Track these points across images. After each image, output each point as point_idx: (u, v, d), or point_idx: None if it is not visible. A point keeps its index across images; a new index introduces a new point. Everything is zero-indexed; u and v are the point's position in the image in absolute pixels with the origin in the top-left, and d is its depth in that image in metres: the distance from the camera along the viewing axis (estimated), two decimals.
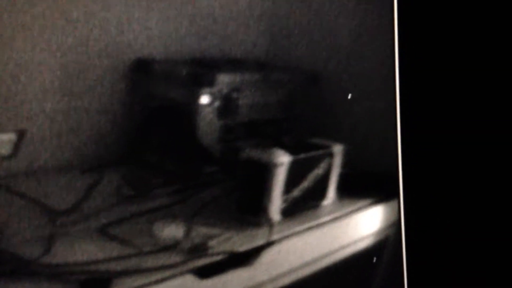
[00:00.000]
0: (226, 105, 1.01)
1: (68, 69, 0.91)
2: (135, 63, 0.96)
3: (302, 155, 1.06)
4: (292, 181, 1.05)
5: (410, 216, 1.18)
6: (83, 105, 0.92)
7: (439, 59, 1.24)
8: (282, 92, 1.08)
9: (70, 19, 0.91)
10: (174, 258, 0.96)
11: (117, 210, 0.95)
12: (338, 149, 1.10)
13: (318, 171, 1.09)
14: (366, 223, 1.17)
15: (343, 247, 1.13)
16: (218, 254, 0.99)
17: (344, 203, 1.13)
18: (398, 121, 1.16)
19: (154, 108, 0.98)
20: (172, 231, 0.97)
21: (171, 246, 0.97)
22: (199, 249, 0.98)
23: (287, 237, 1.05)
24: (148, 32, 0.97)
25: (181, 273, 0.96)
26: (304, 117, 1.11)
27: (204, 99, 0.99)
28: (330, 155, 1.10)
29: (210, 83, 1.00)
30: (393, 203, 1.18)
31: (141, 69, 0.97)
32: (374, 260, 1.17)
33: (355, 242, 1.16)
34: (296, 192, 1.07)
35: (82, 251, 0.92)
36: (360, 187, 1.16)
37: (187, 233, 0.98)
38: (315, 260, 1.09)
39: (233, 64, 1.03)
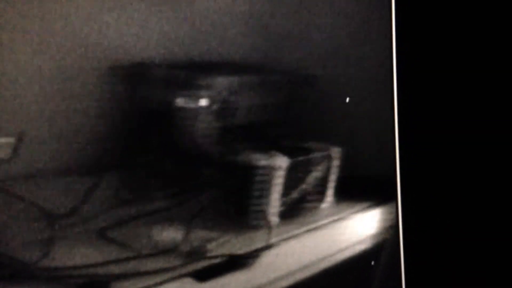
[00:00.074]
0: (224, 109, 1.01)
1: (66, 73, 0.92)
2: (133, 67, 0.96)
3: (300, 158, 1.06)
4: (290, 184, 1.05)
5: (408, 219, 1.18)
6: (81, 108, 0.92)
7: (437, 62, 1.24)
8: (279, 95, 1.08)
9: (68, 24, 0.91)
10: (173, 261, 0.97)
11: (116, 213, 0.95)
12: (335, 152, 1.10)
13: (316, 174, 1.09)
14: (364, 226, 1.17)
15: (341, 250, 1.13)
16: (216, 257, 0.99)
17: (342, 206, 1.13)
18: (396, 124, 1.16)
19: (152, 112, 0.98)
20: (170, 234, 0.97)
21: (169, 249, 0.97)
22: (198, 252, 0.98)
23: (285, 240, 1.05)
24: (146, 36, 0.97)
25: (180, 276, 0.96)
26: (301, 120, 1.11)
27: (202, 103, 1.00)
28: (328, 158, 1.10)
29: (207, 86, 1.00)
30: (391, 206, 1.18)
31: (139, 72, 0.97)
32: (372, 263, 1.18)
33: (353, 245, 1.16)
34: (294, 195, 1.07)
35: (81, 254, 0.92)
36: (358, 190, 1.16)
37: (185, 236, 0.98)
38: (313, 263, 1.09)
39: (230, 67, 1.03)
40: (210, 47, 1.01)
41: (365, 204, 1.17)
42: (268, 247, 1.03)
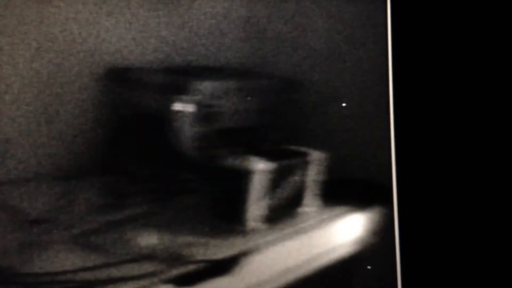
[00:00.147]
0: (205, 113, 1.02)
1: (46, 79, 0.93)
2: (114, 72, 0.97)
3: (281, 162, 1.06)
4: (271, 188, 1.05)
5: (404, 222, 1.17)
6: (60, 114, 0.94)
7: (433, 64, 1.22)
8: (261, 99, 1.08)
9: (51, 30, 0.93)
10: (152, 267, 0.98)
11: (94, 219, 0.96)
12: (319, 156, 1.10)
13: (307, 178, 1.09)
14: (359, 230, 1.16)
15: (334, 254, 1.13)
16: (197, 262, 1.00)
17: (336, 209, 1.13)
18: (391, 127, 1.15)
19: (132, 117, 0.99)
20: (150, 239, 0.98)
21: (148, 255, 0.98)
22: (177, 258, 0.99)
23: (266, 244, 1.05)
24: (128, 42, 0.98)
25: (159, 282, 0.97)
26: (293, 124, 1.11)
27: (183, 107, 1.00)
28: (311, 162, 1.10)
29: (188, 91, 1.01)
30: (387, 209, 1.17)
31: (119, 78, 0.98)
32: (369, 268, 1.17)
33: (347, 249, 1.15)
34: (281, 199, 1.07)
35: (59, 260, 0.93)
36: (352, 193, 1.15)
37: (164, 242, 0.99)
38: (296, 268, 1.08)
39: (212, 72, 1.04)
40: (191, 52, 1.02)
41: (360, 208, 1.16)
42: (248, 252, 1.04)
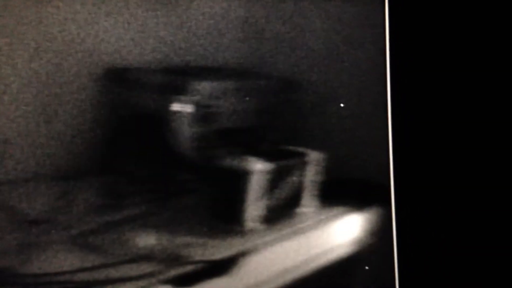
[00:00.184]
0: (203, 113, 1.02)
1: (45, 79, 0.93)
2: (113, 73, 0.97)
3: (279, 163, 1.06)
4: (269, 189, 1.05)
5: (401, 223, 1.17)
6: (59, 114, 0.94)
7: (431, 65, 1.22)
8: (260, 99, 1.08)
9: (49, 30, 0.93)
10: (150, 267, 0.98)
11: (93, 219, 0.96)
12: (317, 156, 1.10)
13: (305, 178, 1.09)
14: (356, 231, 1.16)
15: (322, 254, 1.13)
16: (194, 263, 1.00)
17: (323, 210, 1.13)
18: (389, 127, 1.15)
19: (131, 117, 0.99)
20: (148, 240, 0.98)
21: (147, 255, 0.98)
22: (176, 258, 0.99)
23: (264, 244, 1.05)
24: (126, 42, 0.98)
25: (157, 283, 0.97)
26: (292, 125, 1.11)
27: (181, 107, 1.00)
28: (309, 162, 1.10)
29: (187, 91, 1.01)
30: (385, 210, 1.17)
31: (118, 78, 0.98)
32: (366, 268, 1.17)
33: (344, 249, 1.15)
34: (280, 199, 1.07)
35: (57, 260, 0.93)
36: (350, 193, 1.15)
37: (163, 242, 0.99)
38: (294, 268, 1.08)
39: (210, 72, 1.04)
40: (189, 52, 1.02)
41: (358, 208, 1.16)
42: (247, 252, 1.04)
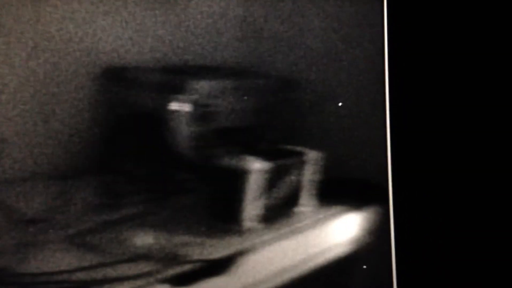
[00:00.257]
0: (202, 112, 1.02)
1: (43, 78, 0.93)
2: (111, 72, 0.97)
3: (278, 162, 1.06)
4: (268, 188, 1.05)
5: (399, 222, 1.17)
6: (56, 113, 0.94)
7: (429, 64, 1.22)
8: (258, 99, 1.07)
9: (47, 29, 0.92)
10: (148, 266, 0.97)
11: (91, 219, 0.96)
12: (315, 155, 1.10)
13: (302, 177, 1.09)
14: (354, 229, 1.16)
15: (320, 254, 1.13)
16: (192, 262, 1.00)
17: (321, 209, 1.13)
18: (387, 127, 1.15)
19: (129, 116, 0.99)
20: (146, 239, 0.98)
21: (145, 255, 0.98)
22: (173, 258, 0.99)
23: (262, 244, 1.05)
24: (124, 41, 0.97)
25: (155, 282, 0.97)
26: (280, 124, 1.11)
27: (180, 106, 1.00)
28: (307, 161, 1.10)
29: (185, 90, 1.01)
30: (382, 209, 1.17)
31: (115, 77, 0.98)
32: (364, 267, 1.17)
33: (342, 248, 1.15)
34: (278, 199, 1.07)
35: (55, 260, 0.93)
36: (348, 192, 1.15)
37: (161, 241, 0.99)
38: (292, 267, 1.08)
39: (208, 71, 1.03)
40: (188, 51, 1.02)
41: (355, 207, 1.16)
42: (245, 251, 1.04)
